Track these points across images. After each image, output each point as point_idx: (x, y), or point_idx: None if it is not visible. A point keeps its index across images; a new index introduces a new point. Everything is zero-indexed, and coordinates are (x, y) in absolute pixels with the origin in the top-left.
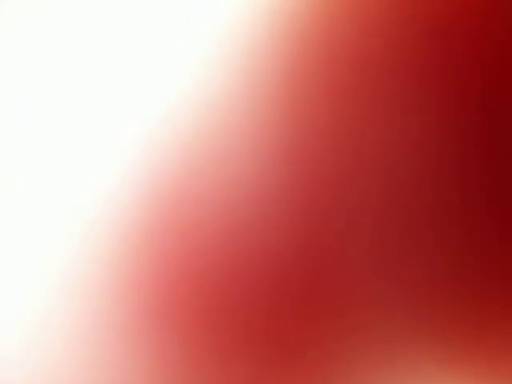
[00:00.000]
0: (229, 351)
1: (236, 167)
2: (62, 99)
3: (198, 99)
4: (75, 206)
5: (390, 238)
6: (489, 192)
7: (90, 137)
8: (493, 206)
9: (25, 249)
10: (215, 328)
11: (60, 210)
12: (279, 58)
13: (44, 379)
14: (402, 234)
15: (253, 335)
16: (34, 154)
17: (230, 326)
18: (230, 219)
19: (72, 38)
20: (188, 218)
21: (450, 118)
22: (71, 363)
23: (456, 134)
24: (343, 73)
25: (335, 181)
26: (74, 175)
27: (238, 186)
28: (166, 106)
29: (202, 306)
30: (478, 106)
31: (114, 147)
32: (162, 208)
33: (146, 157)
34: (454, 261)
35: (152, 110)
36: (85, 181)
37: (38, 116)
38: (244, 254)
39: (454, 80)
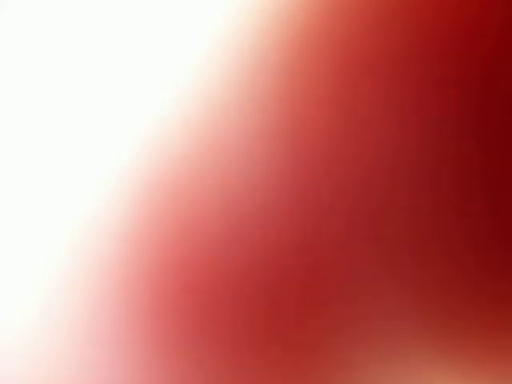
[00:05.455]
0: (229, 349)
1: (235, 165)
2: (61, 97)
3: (198, 99)
4: (75, 204)
5: (390, 236)
6: (488, 194)
7: (89, 136)
8: (492, 208)
9: (25, 244)
10: (215, 327)
11: (60, 208)
12: (279, 57)
13: (44, 372)
14: (401, 233)
15: (253, 334)
16: (34, 152)
17: (230, 325)
18: (230, 218)
19: (72, 37)
20: (188, 216)
21: (449, 117)
22: (71, 357)
23: (455, 134)
24: (343, 71)
25: (336, 180)
26: (73, 173)
27: (238, 184)
28: (165, 105)
29: (201, 303)
30: (477, 107)
31: (114, 146)
32: (162, 207)
33: (145, 156)
34: (455, 260)
35: (152, 110)
36: (85, 179)
37: (37, 114)
38: (244, 252)
39: (453, 80)
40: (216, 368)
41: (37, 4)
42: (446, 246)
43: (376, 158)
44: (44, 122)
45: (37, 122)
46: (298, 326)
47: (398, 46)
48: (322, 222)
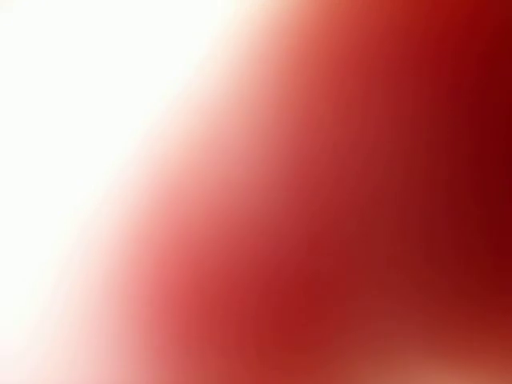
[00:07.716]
0: (231, 351)
1: (235, 166)
2: (60, 92)
3: (198, 94)
4: (75, 200)
5: (387, 241)
6: (480, 192)
7: (89, 132)
8: (485, 207)
9: (24, 243)
10: (216, 328)
11: (59, 205)
12: (280, 57)
13: (47, 374)
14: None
15: (259, 336)
16: (35, 146)
17: (231, 326)
18: (230, 218)
19: (72, 31)
20: (187, 216)
21: (443, 120)
22: (72, 361)
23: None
24: (344, 72)
25: (336, 180)
26: (73, 166)
27: (238, 184)
28: (165, 102)
29: (203, 305)
30: (471, 109)
31: (114, 142)
32: (161, 205)
33: (145, 154)
34: (445, 265)
35: (151, 108)
36: (85, 172)
37: (37, 109)
38: (246, 254)
39: (451, 77)
40: (221, 370)
41: (37, 3)
42: (438, 251)
43: (372, 155)
44: (46, 116)
45: (38, 117)
46: (304, 328)
47: (400, 47)
48: (326, 223)
